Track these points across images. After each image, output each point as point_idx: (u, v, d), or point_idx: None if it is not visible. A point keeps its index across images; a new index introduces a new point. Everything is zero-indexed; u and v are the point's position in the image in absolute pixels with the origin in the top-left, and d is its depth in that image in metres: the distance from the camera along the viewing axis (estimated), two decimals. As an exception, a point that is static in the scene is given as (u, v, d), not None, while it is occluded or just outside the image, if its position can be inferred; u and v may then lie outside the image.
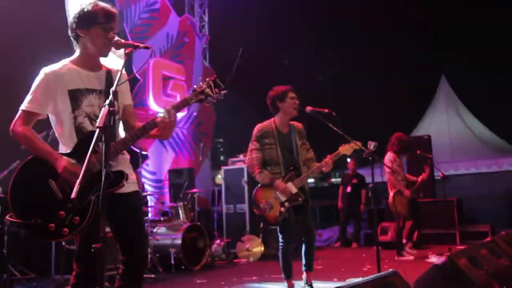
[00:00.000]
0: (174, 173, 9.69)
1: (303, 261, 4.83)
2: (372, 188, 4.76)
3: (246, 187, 8.62)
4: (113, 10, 2.88)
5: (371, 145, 4.56)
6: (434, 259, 6.78)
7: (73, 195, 2.13)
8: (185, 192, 8.18)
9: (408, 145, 7.69)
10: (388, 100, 17.41)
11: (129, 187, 2.86)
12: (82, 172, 2.20)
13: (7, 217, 2.70)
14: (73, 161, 2.67)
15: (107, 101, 2.40)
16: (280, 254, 4.78)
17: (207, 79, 2.92)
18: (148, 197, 9.30)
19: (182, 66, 11.46)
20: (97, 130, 2.29)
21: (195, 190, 8.37)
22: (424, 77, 16.71)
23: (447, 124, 14.59)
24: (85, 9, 2.81)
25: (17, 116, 2.76)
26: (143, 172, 10.21)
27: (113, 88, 2.48)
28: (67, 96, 2.77)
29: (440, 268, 3.31)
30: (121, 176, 2.80)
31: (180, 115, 11.35)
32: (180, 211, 7.65)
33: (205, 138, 12.27)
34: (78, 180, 2.17)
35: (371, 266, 6.48)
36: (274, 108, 4.91)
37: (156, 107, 10.59)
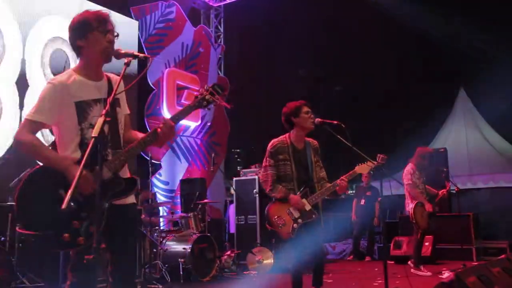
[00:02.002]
0: (186, 183, 9.68)
1: (312, 278, 4.74)
2: (380, 201, 4.65)
3: (257, 198, 8.55)
4: (104, 12, 2.85)
5: (379, 157, 4.47)
6: (447, 275, 6.62)
7: (63, 205, 2.09)
8: (196, 203, 8.14)
9: (427, 162, 7.57)
10: (406, 112, 17.24)
11: (129, 199, 2.85)
12: (74, 180, 2.16)
13: (16, 229, 2.65)
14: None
15: (103, 111, 2.37)
16: (290, 270, 4.69)
17: (207, 86, 2.93)
18: (160, 207, 9.31)
19: (196, 76, 11.50)
20: (92, 140, 2.26)
21: (206, 200, 8.33)
22: (443, 89, 16.51)
23: (465, 137, 14.33)
24: (79, 19, 2.79)
25: (21, 125, 2.73)
26: (156, 182, 10.22)
27: (110, 98, 2.46)
28: (73, 108, 2.73)
29: (447, 286, 3.20)
30: (133, 183, 2.81)
31: (194, 125, 11.37)
32: (190, 222, 7.61)
33: (219, 148, 12.26)
34: (70, 190, 2.13)
35: (382, 281, 6.34)
36: (289, 125, 4.82)
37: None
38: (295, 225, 4.54)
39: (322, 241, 4.82)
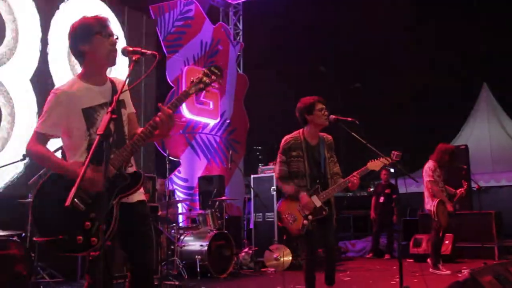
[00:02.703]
0: (204, 180, 9.70)
1: (324, 275, 4.71)
2: (396, 199, 4.60)
3: (275, 195, 8.53)
4: (104, 16, 2.86)
5: (394, 155, 4.41)
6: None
7: (67, 202, 2.11)
8: (214, 200, 8.17)
9: (449, 159, 7.43)
10: (428, 109, 17.05)
11: (135, 196, 2.85)
12: (79, 177, 2.18)
13: (34, 239, 2.70)
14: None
15: (110, 108, 2.38)
16: (303, 267, 4.68)
17: (203, 69, 2.86)
18: (179, 204, 9.37)
19: (215, 73, 11.49)
20: (97, 137, 2.28)
21: (223, 197, 8.34)
22: (466, 85, 16.27)
23: (488, 134, 14.08)
24: (78, 25, 2.80)
25: (31, 137, 2.78)
26: (175, 179, 10.29)
27: (116, 96, 2.47)
28: (81, 115, 2.75)
29: (461, 285, 3.14)
30: (138, 178, 2.80)
31: (213, 122, 11.40)
32: (207, 219, 7.64)
33: (238, 145, 12.27)
34: (74, 187, 2.14)
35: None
36: (302, 121, 4.80)
37: (189, 115, 10.68)
38: (305, 221, 4.52)
39: (334, 238, 4.76)
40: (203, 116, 11.10)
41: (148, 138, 2.75)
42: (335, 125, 4.69)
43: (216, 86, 2.90)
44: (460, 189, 7.48)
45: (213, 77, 2.79)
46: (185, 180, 10.55)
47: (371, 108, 17.08)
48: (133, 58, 2.67)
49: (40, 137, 2.76)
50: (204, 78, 2.79)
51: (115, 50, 2.80)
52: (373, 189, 13.62)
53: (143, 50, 2.70)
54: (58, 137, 2.84)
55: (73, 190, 2.12)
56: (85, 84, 2.82)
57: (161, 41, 10.30)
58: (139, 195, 2.90)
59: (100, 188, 2.52)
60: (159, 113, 2.70)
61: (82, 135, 2.76)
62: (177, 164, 10.45)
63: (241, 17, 12.93)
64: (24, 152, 5.36)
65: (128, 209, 2.77)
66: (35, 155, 2.76)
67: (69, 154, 2.81)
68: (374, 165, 4.63)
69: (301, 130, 4.79)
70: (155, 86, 9.81)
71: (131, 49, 2.75)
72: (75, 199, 2.52)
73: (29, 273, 5.36)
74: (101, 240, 2.48)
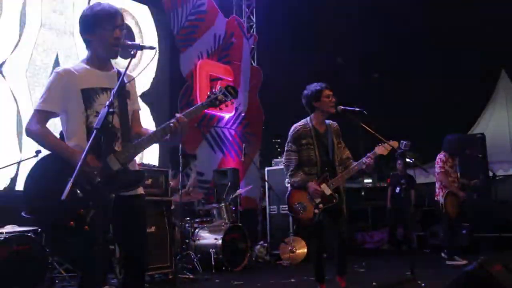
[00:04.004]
0: (218, 173, 9.72)
1: (336, 266, 4.69)
2: (405, 189, 4.56)
3: (289, 188, 8.51)
4: (114, 8, 2.86)
5: (403, 144, 4.37)
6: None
7: (63, 195, 2.12)
8: (228, 193, 8.18)
9: (460, 147, 7.35)
10: (446, 97, 16.82)
11: (133, 190, 2.86)
12: (76, 171, 2.18)
13: (22, 213, 2.72)
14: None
15: (107, 102, 2.39)
16: (312, 257, 4.67)
17: (220, 86, 2.95)
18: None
19: (229, 66, 11.50)
20: (94, 131, 2.29)
21: (238, 190, 8.35)
22: (483, 72, 15.99)
23: (507, 122, 13.83)
24: (87, 14, 2.82)
25: (31, 117, 2.79)
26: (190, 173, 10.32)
27: (114, 90, 2.49)
28: (80, 95, 2.77)
29: (469, 275, 3.09)
30: (141, 176, 2.83)
31: (227, 115, 11.41)
32: (222, 212, 7.66)
33: (254, 138, 12.25)
34: (71, 180, 2.15)
35: (416, 270, 6.23)
36: (310, 108, 4.79)
37: (203, 108, 10.67)
38: (316, 210, 4.52)
39: (345, 227, 4.74)
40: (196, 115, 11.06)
41: (157, 141, 2.81)
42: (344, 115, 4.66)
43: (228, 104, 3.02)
44: (475, 180, 7.40)
45: (229, 96, 2.90)
46: (201, 174, 10.58)
47: (388, 98, 16.92)
48: (132, 53, 2.70)
49: (41, 116, 2.76)
50: (220, 96, 2.89)
51: (119, 44, 2.80)
52: (390, 179, 13.47)
53: (141, 44, 2.73)
54: (58, 115, 2.84)
55: (70, 184, 2.13)
56: (87, 67, 2.86)
57: (175, 35, 10.32)
58: (139, 189, 2.90)
59: (94, 178, 2.55)
60: (174, 121, 2.75)
61: (80, 115, 2.76)
62: (192, 158, 10.47)
63: (254, 10, 12.87)
64: (38, 149, 5.41)
65: (125, 202, 2.78)
66: (35, 135, 2.74)
67: (67, 137, 2.82)
68: (381, 149, 4.61)
69: (308, 118, 4.78)
70: (168, 81, 9.85)
71: (129, 43, 2.77)
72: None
73: (44, 268, 5.46)
74: (94, 229, 2.49)
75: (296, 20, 13.99)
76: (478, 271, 3.11)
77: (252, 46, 12.73)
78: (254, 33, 12.80)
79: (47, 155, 2.77)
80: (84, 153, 2.23)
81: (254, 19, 12.84)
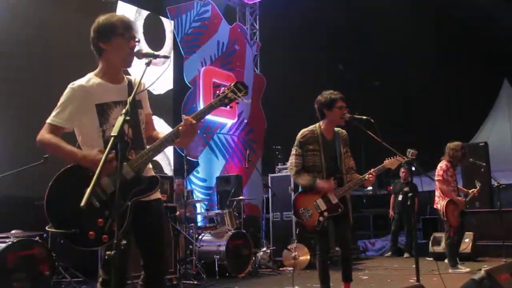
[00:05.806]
0: (221, 180, 9.74)
1: (341, 273, 4.71)
2: (411, 197, 4.59)
3: (292, 195, 8.54)
4: (130, 19, 2.92)
5: (410, 152, 4.40)
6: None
7: (82, 202, 2.15)
8: (231, 199, 8.21)
9: (461, 156, 7.36)
10: (448, 106, 16.84)
11: (152, 195, 2.89)
12: (94, 178, 2.20)
13: (46, 228, 2.73)
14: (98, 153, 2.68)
15: (124, 110, 2.42)
16: (317, 264, 4.69)
17: (229, 84, 2.91)
18: (197, 204, 9.44)
19: (232, 73, 11.55)
20: (112, 139, 2.31)
21: (241, 197, 8.38)
22: (486, 81, 16.03)
23: (510, 131, 13.89)
24: (104, 22, 2.85)
25: (43, 129, 2.80)
26: (193, 179, 10.36)
27: (130, 98, 2.52)
28: (94, 111, 2.79)
29: (477, 283, 3.12)
30: (155, 182, 2.86)
31: (230, 122, 11.45)
32: (225, 218, 7.68)
33: (256, 145, 12.30)
34: (90, 188, 2.18)
35: (420, 278, 6.24)
36: (320, 114, 4.80)
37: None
38: (321, 218, 4.53)
39: (350, 235, 4.76)
40: (221, 116, 11.14)
41: (168, 145, 2.83)
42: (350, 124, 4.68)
43: (239, 102, 2.92)
44: (473, 190, 7.41)
45: (238, 93, 2.84)
46: (204, 180, 10.62)
47: (390, 106, 16.94)
48: (146, 61, 2.73)
49: (51, 128, 2.78)
50: (230, 94, 2.83)
51: (132, 54, 2.84)
52: (392, 187, 13.53)
53: (155, 53, 2.76)
54: (70, 130, 2.86)
55: (89, 190, 2.15)
56: (100, 80, 2.87)
57: (178, 42, 10.38)
58: (156, 194, 2.95)
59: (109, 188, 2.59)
60: (183, 123, 2.76)
61: (95, 130, 2.79)
62: (196, 164, 10.52)
63: (257, 17, 12.94)
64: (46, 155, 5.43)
65: (144, 208, 2.83)
66: (48, 144, 2.74)
67: (84, 150, 2.83)
68: (391, 163, 4.64)
69: (317, 124, 4.78)
70: (172, 87, 9.89)
71: (144, 52, 2.81)
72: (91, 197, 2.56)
73: (51, 272, 5.46)
74: (114, 238, 2.51)
75: (299, 27, 14.03)
76: (486, 279, 3.14)
77: (255, 53, 12.79)
78: (257, 40, 12.86)
79: (65, 170, 2.77)
80: (103, 158, 2.25)
81: (257, 27, 12.91)
